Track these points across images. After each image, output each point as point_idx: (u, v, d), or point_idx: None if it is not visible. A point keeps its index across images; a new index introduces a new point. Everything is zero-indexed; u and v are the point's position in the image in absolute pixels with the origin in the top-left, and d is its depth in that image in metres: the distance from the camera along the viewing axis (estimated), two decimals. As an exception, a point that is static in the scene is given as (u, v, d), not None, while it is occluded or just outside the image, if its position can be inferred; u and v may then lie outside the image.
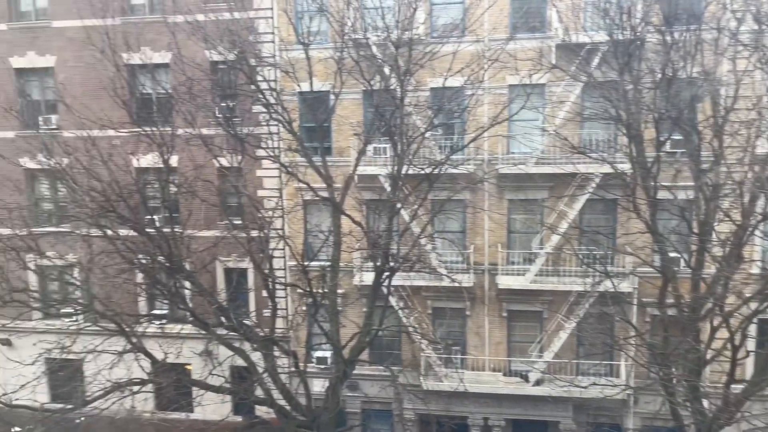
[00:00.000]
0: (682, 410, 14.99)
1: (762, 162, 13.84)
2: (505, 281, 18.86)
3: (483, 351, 19.92)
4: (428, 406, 18.00)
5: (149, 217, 15.67)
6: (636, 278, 17.81)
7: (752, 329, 16.29)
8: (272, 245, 17.30)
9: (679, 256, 15.46)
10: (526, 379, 19.32)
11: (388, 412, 20.48)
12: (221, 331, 15.79)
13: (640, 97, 14.64)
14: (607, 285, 16.04)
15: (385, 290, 17.00)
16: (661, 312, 15.21)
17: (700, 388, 14.88)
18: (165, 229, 15.07)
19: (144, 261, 15.13)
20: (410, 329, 18.86)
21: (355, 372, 18.03)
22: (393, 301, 18.74)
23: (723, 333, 14.09)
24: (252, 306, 20.15)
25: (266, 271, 16.24)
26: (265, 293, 17.25)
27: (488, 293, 19.61)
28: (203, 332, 15.36)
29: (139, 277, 17.77)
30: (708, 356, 14.63)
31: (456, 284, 18.17)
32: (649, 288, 17.65)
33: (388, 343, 20.36)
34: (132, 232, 14.95)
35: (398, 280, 18.05)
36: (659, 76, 14.55)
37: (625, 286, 17.57)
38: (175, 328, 17.79)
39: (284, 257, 19.83)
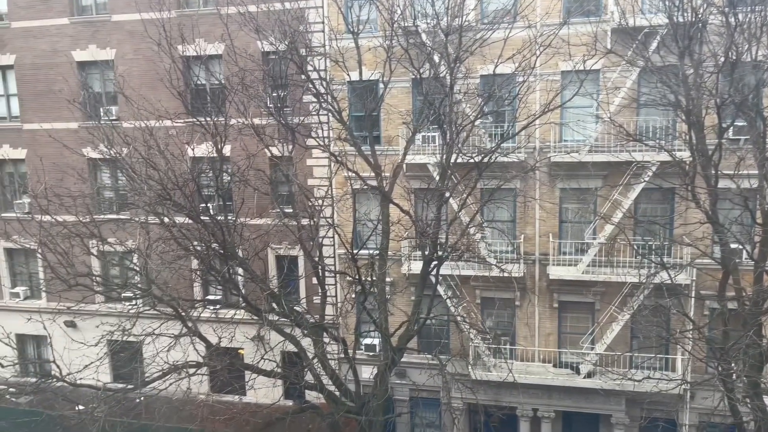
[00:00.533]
0: (741, 406, 14.47)
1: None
2: (556, 272, 18.55)
3: (533, 342, 19.69)
4: (476, 395, 17.94)
5: (204, 205, 16.11)
6: (694, 270, 17.21)
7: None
8: (322, 233, 17.54)
9: (740, 247, 14.84)
10: (577, 371, 19.01)
11: (436, 400, 20.53)
12: (273, 317, 16.13)
13: (701, 82, 14.06)
14: (663, 276, 15.56)
15: (433, 279, 17.00)
16: (721, 305, 14.66)
17: (761, 384, 14.32)
18: (219, 217, 15.47)
19: (199, 248, 15.58)
20: (458, 318, 18.79)
21: (403, 360, 18.14)
22: (441, 290, 18.73)
23: (788, 328, 13.49)
24: (302, 293, 20.49)
25: (316, 259, 16.47)
26: (315, 280, 17.53)
27: (539, 284, 19.34)
28: (255, 318, 15.71)
29: (194, 263, 18.33)
30: (771, 352, 14.05)
31: (505, 274, 17.99)
32: (708, 280, 17.07)
33: (437, 332, 20.38)
34: (187, 220, 15.42)
35: (446, 269, 18.02)
36: (722, 59, 13.94)
37: (682, 278, 17.02)
38: (228, 313, 18.30)
39: (334, 245, 20.06)
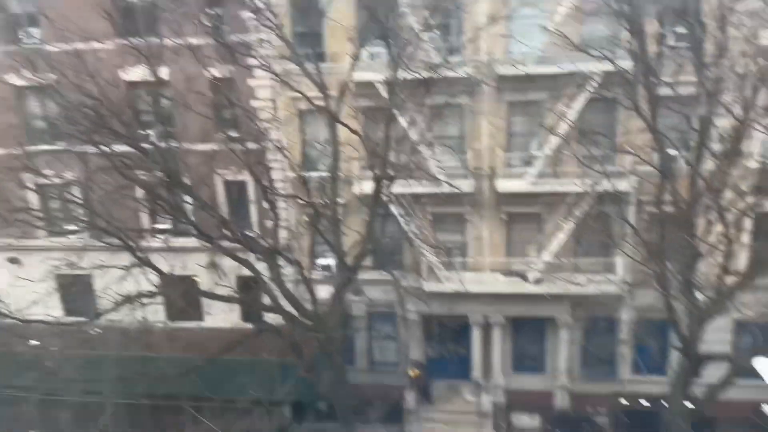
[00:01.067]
0: (675, 303, 15.51)
1: (766, 54, 13.48)
2: (504, 185, 18.92)
3: (483, 254, 20.32)
4: (430, 307, 18.60)
5: (143, 132, 15.47)
6: (635, 178, 17.84)
7: (747, 223, 16.58)
8: (270, 157, 17.21)
9: (678, 153, 15.41)
10: (525, 278, 19.85)
11: (392, 314, 21.20)
12: (225, 244, 16.02)
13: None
14: (605, 185, 16.10)
15: (385, 198, 17.11)
16: (659, 210, 15.36)
17: (694, 282, 15.33)
18: (161, 144, 14.92)
19: (142, 176, 15.09)
20: (411, 235, 19.12)
21: (358, 278, 18.47)
22: (393, 208, 18.90)
23: (718, 227, 14.29)
24: (254, 218, 20.34)
25: (265, 184, 16.24)
26: (266, 205, 17.37)
27: (488, 197, 19.73)
28: (207, 245, 15.57)
29: (139, 192, 17.81)
30: (703, 251, 14.95)
31: (455, 190, 18.23)
32: (647, 187, 17.76)
33: (391, 248, 20.73)
34: (127, 148, 14.82)
35: (398, 188, 18.11)
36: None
37: (623, 186, 17.65)
38: (179, 241, 18.06)
39: (283, 169, 19.78)
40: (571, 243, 19.58)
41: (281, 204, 19.34)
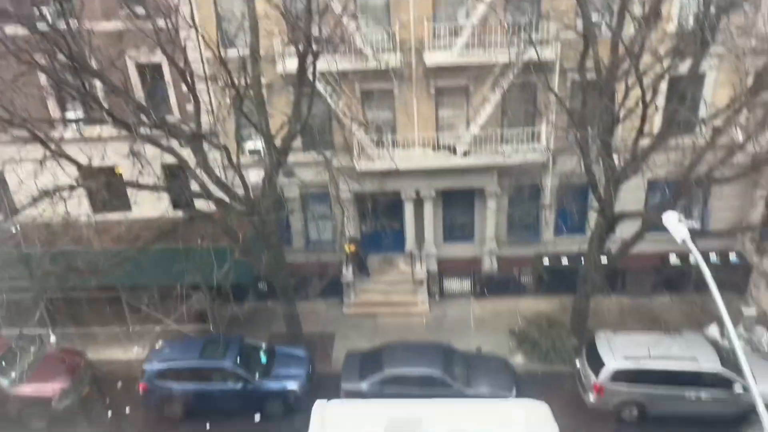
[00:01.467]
0: (595, 166, 16.30)
1: None
2: (431, 57, 18.61)
3: (412, 129, 20.36)
4: (363, 185, 18.80)
5: (37, 10, 13.97)
6: (559, 45, 17.89)
7: (662, 86, 17.21)
8: (183, 35, 16.02)
9: (600, 19, 15.44)
10: (454, 152, 20.20)
11: (325, 194, 21.35)
12: (145, 131, 15.30)
13: None
14: (531, 54, 16.11)
15: (310, 76, 16.56)
16: (581, 76, 15.64)
17: (612, 145, 16.06)
18: (58, 23, 13.58)
19: (43, 61, 13.85)
20: (340, 114, 18.82)
21: (289, 159, 18.27)
22: (320, 87, 18.40)
23: (636, 91, 14.77)
24: (173, 102, 19.38)
25: (181, 65, 15.29)
26: (184, 88, 16.47)
27: (415, 71, 19.43)
28: (126, 132, 14.80)
29: (42, 79, 16.47)
30: (621, 115, 15.53)
31: (382, 65, 17.81)
32: (571, 54, 17.91)
33: (320, 129, 20.42)
34: (22, 30, 13.44)
35: (323, 64, 17.50)
36: None
37: (548, 54, 17.72)
38: (94, 130, 17.09)
39: (199, 48, 18.61)
40: (498, 114, 19.87)
41: (201, 86, 18.43)
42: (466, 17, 18.34)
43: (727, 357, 16.16)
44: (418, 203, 21.32)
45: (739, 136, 16.89)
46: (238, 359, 17.31)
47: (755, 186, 19.97)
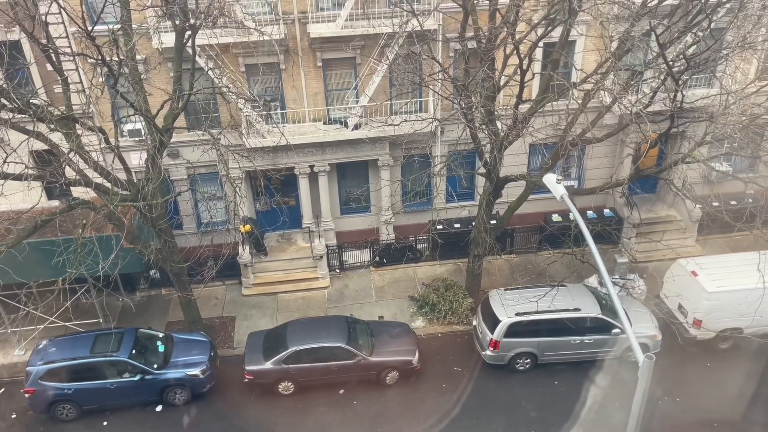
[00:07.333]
0: (479, 133, 16.95)
1: None
2: (316, 29, 18.37)
3: (301, 103, 20.11)
4: (254, 162, 18.38)
5: None
6: (440, 14, 18.25)
7: (538, 53, 18.10)
8: (44, 9, 14.70)
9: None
10: (345, 125, 20.20)
11: (214, 173, 20.69)
12: (6, 115, 13.97)
13: None
14: (414, 24, 16.33)
15: (190, 51, 15.83)
16: (462, 45, 16.09)
17: (494, 112, 16.75)
18: None
19: None
20: (224, 90, 18.15)
21: (173, 140, 17.46)
22: (201, 61, 17.66)
23: (514, 60, 15.44)
24: (38, 83, 17.85)
25: (43, 42, 14.05)
26: (50, 67, 15.18)
27: (301, 44, 19.10)
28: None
29: None
30: (501, 82, 16.20)
31: (266, 37, 17.34)
32: (452, 24, 18.36)
33: (204, 106, 19.65)
34: None
35: (203, 38, 16.83)
36: None
37: (430, 24, 18.04)
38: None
39: (63, 22, 17.17)
40: (386, 85, 20.05)
41: (69, 65, 17.09)
42: (349, -12, 18.21)
43: (606, 304, 17.63)
44: (313, 178, 21.20)
45: (607, 99, 18.17)
46: (134, 351, 16.63)
47: (622, 145, 21.68)
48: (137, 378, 16.41)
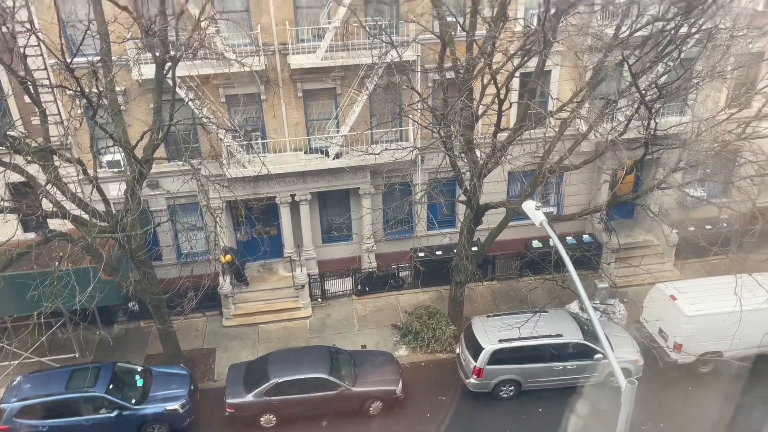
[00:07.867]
0: (459, 161, 17.13)
1: None
2: (296, 60, 18.55)
3: (282, 133, 20.19)
4: (235, 192, 18.33)
5: None
6: (419, 46, 18.57)
7: (515, 83, 18.46)
8: (22, 42, 14.69)
9: (455, 20, 16.24)
10: (326, 154, 20.29)
11: (195, 204, 20.57)
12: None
13: None
14: (393, 55, 16.59)
15: (170, 82, 15.87)
16: (441, 75, 16.36)
17: (473, 141, 16.97)
18: None
19: None
20: (205, 120, 18.19)
21: (153, 171, 17.38)
22: (182, 92, 17.70)
23: (491, 89, 15.71)
24: (15, 114, 17.73)
25: (22, 74, 14.02)
26: (28, 99, 15.11)
27: (281, 75, 19.27)
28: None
29: None
30: (479, 111, 16.46)
31: (246, 68, 17.48)
32: (430, 54, 18.68)
33: (184, 136, 19.64)
34: None
35: (183, 69, 16.91)
36: None
37: (409, 55, 18.33)
38: None
39: (42, 54, 17.14)
40: (367, 115, 20.24)
41: (47, 97, 17.03)
42: (328, 20, 18.48)
43: (588, 329, 17.70)
44: (294, 207, 21.17)
45: (583, 127, 18.53)
46: (111, 386, 16.24)
47: (599, 172, 22.04)
48: (114, 414, 16.00)
